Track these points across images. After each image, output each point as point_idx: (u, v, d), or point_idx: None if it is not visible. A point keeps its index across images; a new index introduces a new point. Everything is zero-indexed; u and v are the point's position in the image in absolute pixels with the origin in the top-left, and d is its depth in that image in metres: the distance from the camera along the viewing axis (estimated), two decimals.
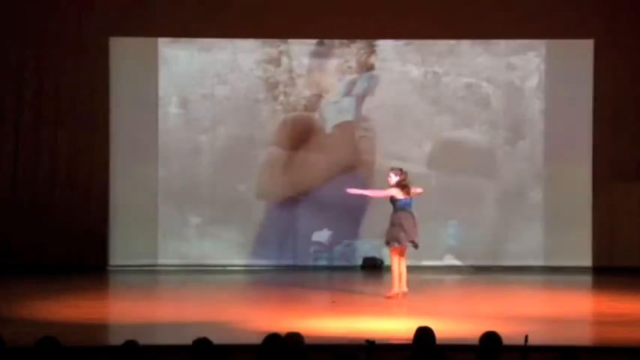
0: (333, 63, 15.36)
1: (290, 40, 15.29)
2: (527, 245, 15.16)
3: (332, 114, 15.36)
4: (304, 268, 15.06)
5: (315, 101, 15.37)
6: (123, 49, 15.15)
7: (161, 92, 15.23)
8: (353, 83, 15.37)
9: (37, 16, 14.95)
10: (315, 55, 15.37)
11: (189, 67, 15.26)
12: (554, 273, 14.97)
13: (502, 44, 15.32)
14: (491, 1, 15.11)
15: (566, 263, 15.14)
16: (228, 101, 15.28)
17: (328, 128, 15.37)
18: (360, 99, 15.36)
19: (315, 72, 15.37)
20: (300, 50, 15.33)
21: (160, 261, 15.17)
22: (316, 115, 15.35)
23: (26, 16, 14.94)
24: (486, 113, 15.35)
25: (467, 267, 15.16)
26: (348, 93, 15.37)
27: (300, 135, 15.33)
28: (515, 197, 15.23)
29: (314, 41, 15.31)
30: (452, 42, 15.23)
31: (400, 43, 15.27)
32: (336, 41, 15.34)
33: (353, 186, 12.95)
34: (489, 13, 15.03)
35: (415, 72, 15.34)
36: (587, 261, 15.14)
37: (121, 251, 15.16)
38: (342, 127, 15.38)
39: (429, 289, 13.42)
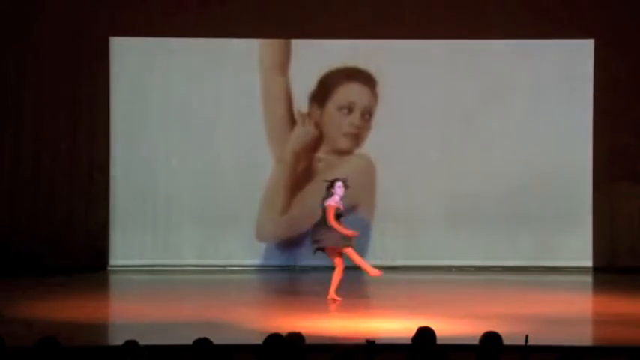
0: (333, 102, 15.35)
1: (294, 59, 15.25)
2: (528, 245, 15.14)
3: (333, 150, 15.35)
4: (304, 269, 15.05)
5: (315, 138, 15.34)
6: (123, 49, 15.15)
7: (162, 93, 15.21)
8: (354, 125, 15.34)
9: (36, 16, 14.94)
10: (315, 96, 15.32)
11: (189, 67, 15.24)
12: (554, 273, 14.96)
13: (502, 44, 15.29)
14: (490, 1, 15.10)
15: (566, 263, 15.14)
16: (229, 103, 15.27)
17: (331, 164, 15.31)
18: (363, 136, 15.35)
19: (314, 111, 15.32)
20: (302, 79, 15.20)
21: (160, 261, 15.16)
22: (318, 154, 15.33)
23: (26, 16, 14.93)
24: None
25: (467, 267, 15.14)
26: (350, 129, 15.33)
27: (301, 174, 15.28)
28: (515, 197, 15.20)
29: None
30: (450, 42, 15.22)
31: (407, 78, 15.18)
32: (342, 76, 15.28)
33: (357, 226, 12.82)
34: (489, 14, 15.02)
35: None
36: (587, 261, 15.13)
37: (121, 251, 15.16)
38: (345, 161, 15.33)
39: (429, 289, 13.43)
